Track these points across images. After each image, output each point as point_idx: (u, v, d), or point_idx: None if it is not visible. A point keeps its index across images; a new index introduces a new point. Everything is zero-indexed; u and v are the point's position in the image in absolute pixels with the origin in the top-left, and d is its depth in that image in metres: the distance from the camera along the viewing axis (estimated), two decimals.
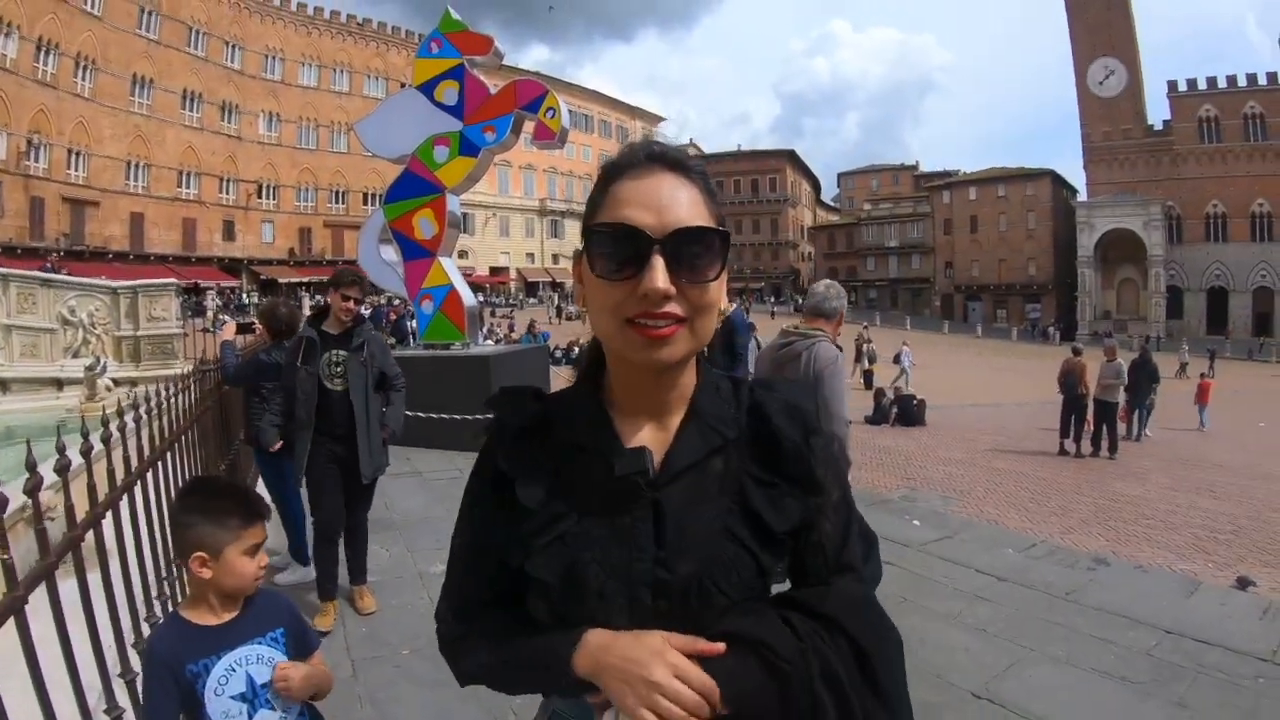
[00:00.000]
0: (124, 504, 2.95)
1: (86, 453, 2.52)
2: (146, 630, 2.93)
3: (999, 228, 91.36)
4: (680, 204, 1.28)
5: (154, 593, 3.25)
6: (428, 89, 12.74)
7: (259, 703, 2.28)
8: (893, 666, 1.31)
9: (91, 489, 2.62)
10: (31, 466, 1.93)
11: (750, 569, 1.32)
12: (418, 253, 12.60)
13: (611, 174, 1.35)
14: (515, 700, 4.26)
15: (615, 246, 1.26)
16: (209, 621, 2.31)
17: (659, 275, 1.22)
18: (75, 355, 16.73)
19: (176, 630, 2.32)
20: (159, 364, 16.73)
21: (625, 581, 1.29)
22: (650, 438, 1.36)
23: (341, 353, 5.83)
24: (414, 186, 12.66)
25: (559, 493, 1.35)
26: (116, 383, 15.29)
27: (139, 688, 2.55)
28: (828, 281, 5.76)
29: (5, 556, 1.67)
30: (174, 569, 3.64)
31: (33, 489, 1.95)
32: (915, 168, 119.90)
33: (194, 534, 2.27)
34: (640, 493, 1.31)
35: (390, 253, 13.02)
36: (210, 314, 45.11)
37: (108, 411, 3.02)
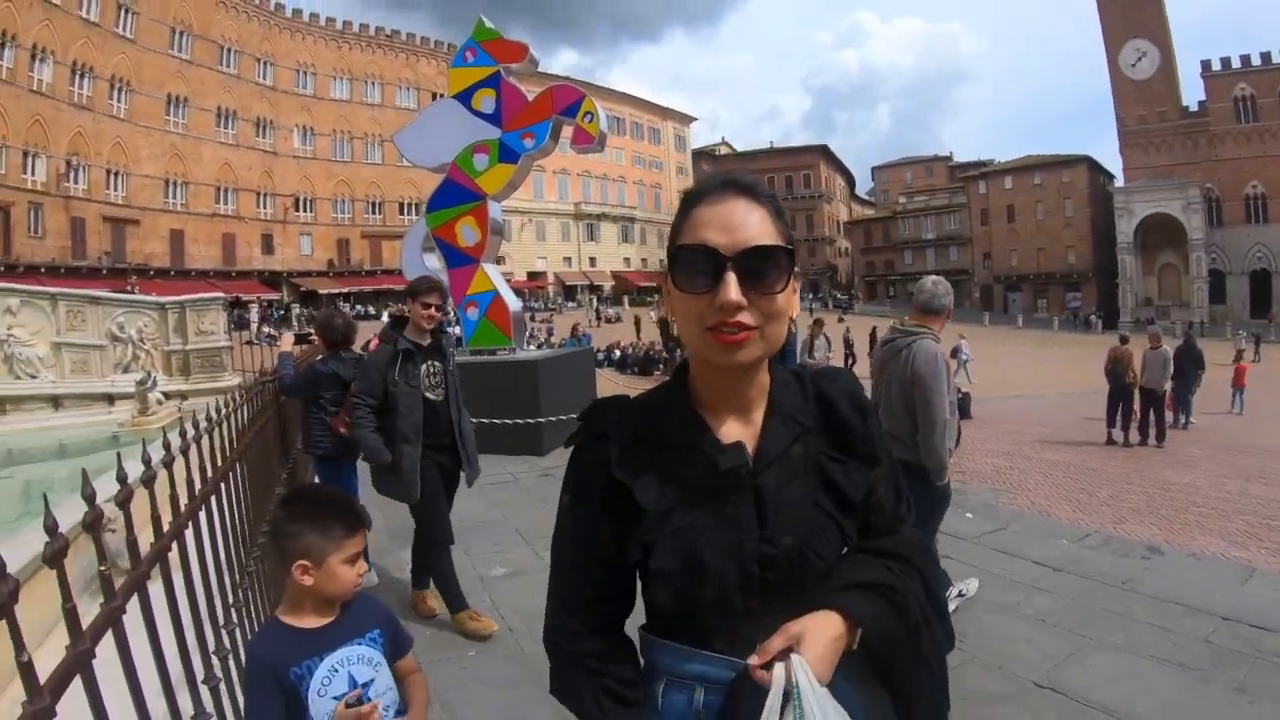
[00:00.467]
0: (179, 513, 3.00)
1: (169, 464, 2.56)
2: (225, 638, 2.97)
3: (1036, 216, 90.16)
4: (750, 225, 1.44)
5: (230, 600, 3.27)
6: (465, 98, 12.88)
7: (361, 701, 2.31)
8: (940, 586, 1.61)
9: (174, 499, 2.66)
10: (122, 479, 1.96)
11: (836, 534, 1.51)
12: (461, 260, 12.69)
13: (691, 200, 1.53)
14: None
15: (694, 264, 1.43)
16: (309, 625, 2.36)
17: (732, 289, 1.38)
18: (125, 370, 17.15)
19: (277, 634, 2.37)
20: (208, 377, 17.11)
21: (737, 560, 1.43)
22: (739, 431, 1.52)
23: (438, 363, 5.86)
24: (455, 195, 12.76)
25: (669, 493, 1.48)
26: (167, 396, 15.56)
27: (222, 692, 2.60)
28: (935, 278, 5.76)
29: (104, 568, 1.69)
30: (246, 576, 3.69)
31: (124, 500, 1.98)
32: (949, 159, 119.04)
33: (299, 543, 2.33)
34: (742, 482, 1.46)
35: (433, 261, 13.10)
36: (253, 327, 45.45)
37: (184, 423, 3.07)
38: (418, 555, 6.01)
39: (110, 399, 16.82)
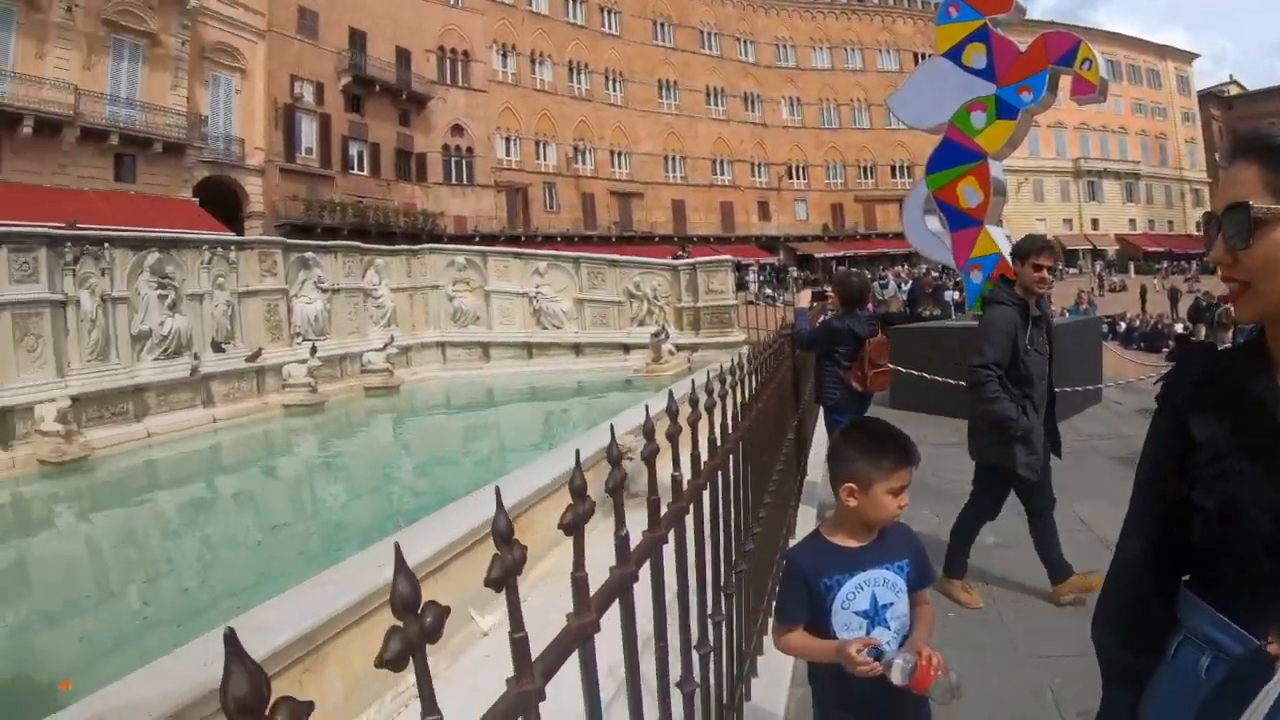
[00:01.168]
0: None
1: (710, 409, 2.75)
2: (734, 578, 3.16)
3: None
4: (1232, 184, 1.47)
5: (741, 540, 3.38)
6: (954, 55, 12.52)
7: (877, 620, 2.51)
8: None
9: (710, 441, 2.81)
10: (649, 433, 2.05)
11: None
12: (964, 222, 12.36)
13: None
14: (1055, 679, 4.28)
15: (1207, 229, 1.53)
16: (847, 544, 2.57)
17: (1214, 248, 1.48)
18: (640, 324, 18.87)
19: (817, 547, 2.62)
20: (717, 332, 18.38)
21: (1274, 515, 1.39)
22: None
23: (1045, 330, 5.47)
24: (955, 155, 12.46)
25: (1224, 435, 1.49)
26: (678, 348, 17.04)
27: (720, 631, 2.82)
28: None
29: (654, 496, 1.79)
30: (758, 521, 3.88)
31: (649, 456, 2.07)
32: None
33: (851, 467, 2.52)
34: None
35: (935, 223, 12.96)
36: (752, 288, 47.10)
37: (692, 372, 3.25)
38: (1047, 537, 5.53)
39: (626, 348, 18.63)
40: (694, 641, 2.54)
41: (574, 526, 1.35)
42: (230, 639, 0.74)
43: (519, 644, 1.21)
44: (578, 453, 1.44)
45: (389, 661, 0.97)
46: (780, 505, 5.07)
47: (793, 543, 4.65)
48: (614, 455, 1.51)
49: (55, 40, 31.22)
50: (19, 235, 12.15)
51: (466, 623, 5.13)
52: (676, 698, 2.24)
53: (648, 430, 1.99)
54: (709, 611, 2.80)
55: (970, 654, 4.61)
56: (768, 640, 4.16)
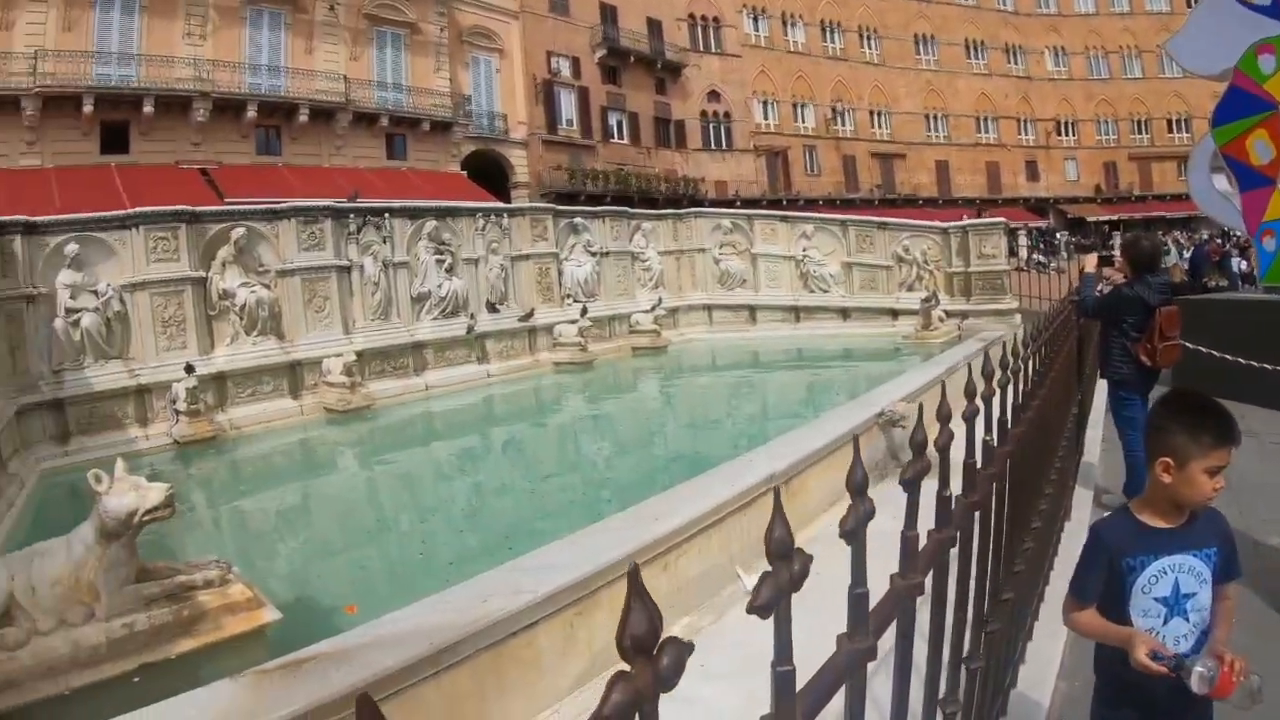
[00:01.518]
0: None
1: (1003, 385, 2.59)
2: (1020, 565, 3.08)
3: None
4: None
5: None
6: None
7: (1177, 610, 2.40)
8: None
9: (1017, 404, 2.77)
10: (970, 394, 2.03)
11: None
12: (1255, 181, 11.12)
13: None
14: None
15: None
16: (1156, 524, 2.46)
17: None
18: (909, 289, 18.49)
19: (1124, 524, 2.52)
20: (988, 299, 17.72)
21: None
22: None
23: None
24: (1242, 105, 11.24)
25: None
26: (948, 314, 16.67)
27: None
28: None
29: (946, 490, 1.76)
30: (1045, 498, 3.70)
31: (970, 417, 2.05)
32: None
33: (1168, 440, 2.40)
34: None
35: (1222, 182, 11.76)
36: (1022, 253, 45.47)
37: (962, 340, 3.15)
38: None
39: (894, 314, 18.33)
40: (984, 618, 2.52)
41: (913, 482, 1.35)
42: (633, 576, 0.77)
43: (859, 599, 1.23)
44: (920, 407, 1.49)
45: (759, 608, 0.99)
46: (1060, 485, 4.86)
47: (1067, 526, 4.48)
48: (944, 412, 1.50)
49: (322, 36, 34.46)
50: (305, 209, 13.76)
51: (732, 580, 5.23)
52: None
53: (969, 391, 1.96)
54: (1000, 589, 2.76)
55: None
56: (1038, 626, 4.11)
